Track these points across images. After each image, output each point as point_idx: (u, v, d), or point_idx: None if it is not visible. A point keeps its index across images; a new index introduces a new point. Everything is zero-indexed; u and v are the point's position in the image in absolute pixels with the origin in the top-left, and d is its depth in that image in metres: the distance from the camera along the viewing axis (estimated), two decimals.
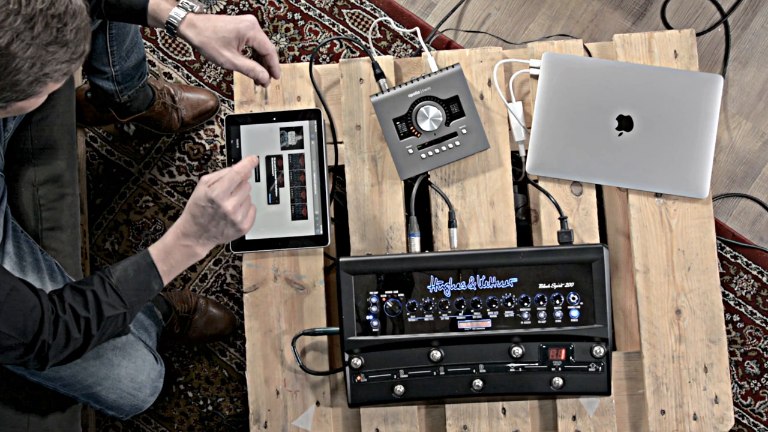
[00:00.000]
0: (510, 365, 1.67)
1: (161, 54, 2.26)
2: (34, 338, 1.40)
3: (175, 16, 1.57)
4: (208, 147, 2.23)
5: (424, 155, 1.79)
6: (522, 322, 1.67)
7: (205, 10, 1.62)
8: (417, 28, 2.00)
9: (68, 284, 1.49)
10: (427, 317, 1.68)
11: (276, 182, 1.81)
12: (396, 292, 1.68)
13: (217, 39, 1.57)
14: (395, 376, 1.68)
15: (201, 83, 2.26)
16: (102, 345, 1.66)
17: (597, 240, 1.79)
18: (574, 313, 1.66)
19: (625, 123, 1.79)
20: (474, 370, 1.68)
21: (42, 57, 1.26)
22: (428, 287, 1.68)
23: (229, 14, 2.22)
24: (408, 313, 1.68)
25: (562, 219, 1.76)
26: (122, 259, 1.53)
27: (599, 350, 1.66)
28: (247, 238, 1.80)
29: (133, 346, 1.72)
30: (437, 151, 1.79)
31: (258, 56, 1.64)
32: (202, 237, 1.50)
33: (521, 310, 1.67)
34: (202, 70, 2.26)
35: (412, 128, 1.79)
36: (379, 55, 2.10)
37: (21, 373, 1.65)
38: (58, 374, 1.64)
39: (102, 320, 1.46)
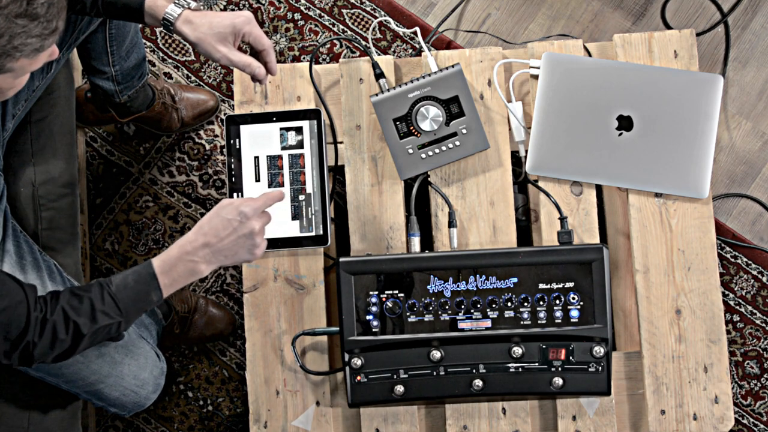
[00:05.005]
0: (510, 365, 1.67)
1: (161, 54, 2.26)
2: (19, 337, 1.39)
3: (172, 12, 1.57)
4: (208, 147, 2.23)
5: (424, 155, 1.79)
6: (522, 322, 1.67)
7: (202, 7, 1.62)
8: (417, 28, 2.00)
9: (68, 288, 1.48)
10: (427, 317, 1.68)
11: (276, 182, 1.81)
12: (396, 292, 1.68)
13: (213, 35, 1.57)
14: (395, 376, 1.68)
15: (201, 83, 2.25)
16: (105, 343, 1.66)
17: (597, 240, 1.79)
18: (574, 313, 1.66)
19: (625, 123, 1.79)
20: (474, 370, 1.68)
21: (11, 29, 1.25)
22: (428, 287, 1.68)
23: None
24: (408, 313, 1.68)
25: (562, 219, 1.76)
26: (126, 269, 1.51)
27: (599, 350, 1.66)
28: None
29: (135, 343, 1.72)
30: (437, 151, 1.79)
31: (255, 52, 1.63)
32: (210, 254, 1.48)
33: (521, 310, 1.67)
34: (202, 70, 2.26)
35: (412, 128, 1.79)
36: (379, 55, 2.10)
37: (23, 368, 1.65)
38: (61, 371, 1.64)
39: (95, 326, 1.45)
